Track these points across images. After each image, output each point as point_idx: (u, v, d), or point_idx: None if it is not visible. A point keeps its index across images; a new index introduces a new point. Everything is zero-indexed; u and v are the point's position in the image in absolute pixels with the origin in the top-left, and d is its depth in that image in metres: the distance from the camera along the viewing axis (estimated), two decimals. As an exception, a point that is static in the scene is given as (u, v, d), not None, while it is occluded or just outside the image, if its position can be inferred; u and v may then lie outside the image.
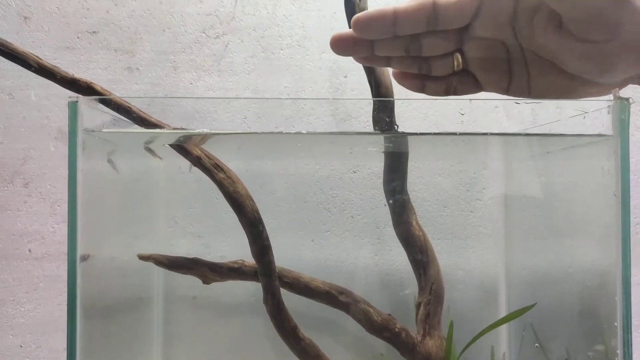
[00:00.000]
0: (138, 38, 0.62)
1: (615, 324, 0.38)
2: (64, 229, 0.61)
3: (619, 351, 0.37)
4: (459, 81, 0.39)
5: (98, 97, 0.41)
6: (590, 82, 0.36)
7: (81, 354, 0.38)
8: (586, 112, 0.40)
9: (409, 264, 0.50)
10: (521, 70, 0.37)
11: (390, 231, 0.51)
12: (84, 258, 0.39)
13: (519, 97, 0.38)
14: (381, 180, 0.51)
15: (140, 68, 0.62)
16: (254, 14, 0.63)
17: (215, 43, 0.63)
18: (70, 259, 0.38)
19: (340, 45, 0.37)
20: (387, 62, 0.39)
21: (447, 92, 0.39)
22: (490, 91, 0.39)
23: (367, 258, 0.61)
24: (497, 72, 0.38)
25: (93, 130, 0.38)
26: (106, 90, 0.45)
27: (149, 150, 0.52)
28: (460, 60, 0.37)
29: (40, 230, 0.61)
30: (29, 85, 0.61)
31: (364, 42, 0.37)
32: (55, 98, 0.61)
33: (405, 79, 0.39)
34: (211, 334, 0.60)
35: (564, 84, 0.36)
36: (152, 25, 0.62)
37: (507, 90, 0.38)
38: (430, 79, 0.39)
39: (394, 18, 0.35)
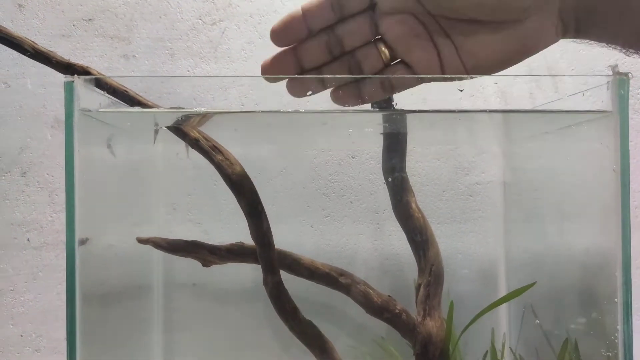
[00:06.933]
0: (134, 25, 0.62)
1: (616, 299, 0.38)
2: (62, 218, 0.61)
3: (619, 327, 0.37)
4: (392, 72, 0.39)
5: (94, 76, 0.40)
6: (516, 22, 0.35)
7: (81, 342, 0.38)
8: (586, 90, 0.40)
9: (409, 248, 0.50)
10: (444, 41, 0.37)
11: (389, 216, 0.51)
12: (83, 242, 0.39)
13: (457, 73, 0.38)
14: (380, 165, 0.50)
15: (137, 55, 0.62)
16: (251, -1, 0.62)
17: (212, 30, 0.62)
18: (68, 242, 0.37)
19: (268, 69, 0.39)
20: (322, 84, 0.39)
21: (385, 90, 0.39)
22: (425, 73, 0.38)
23: (366, 243, 0.60)
24: (421, 49, 0.38)
25: (90, 110, 0.37)
26: (103, 75, 0.45)
27: (157, 132, 0.51)
28: (385, 51, 0.38)
29: (39, 219, 0.61)
30: (25, 74, 0.61)
31: (289, 57, 0.39)
32: (52, 86, 0.61)
33: (340, 95, 0.40)
34: (211, 320, 0.60)
35: (492, 40, 0.36)
36: (148, 12, 0.62)
37: (442, 68, 0.38)
38: (364, 85, 0.39)
39: (302, 13, 0.38)
